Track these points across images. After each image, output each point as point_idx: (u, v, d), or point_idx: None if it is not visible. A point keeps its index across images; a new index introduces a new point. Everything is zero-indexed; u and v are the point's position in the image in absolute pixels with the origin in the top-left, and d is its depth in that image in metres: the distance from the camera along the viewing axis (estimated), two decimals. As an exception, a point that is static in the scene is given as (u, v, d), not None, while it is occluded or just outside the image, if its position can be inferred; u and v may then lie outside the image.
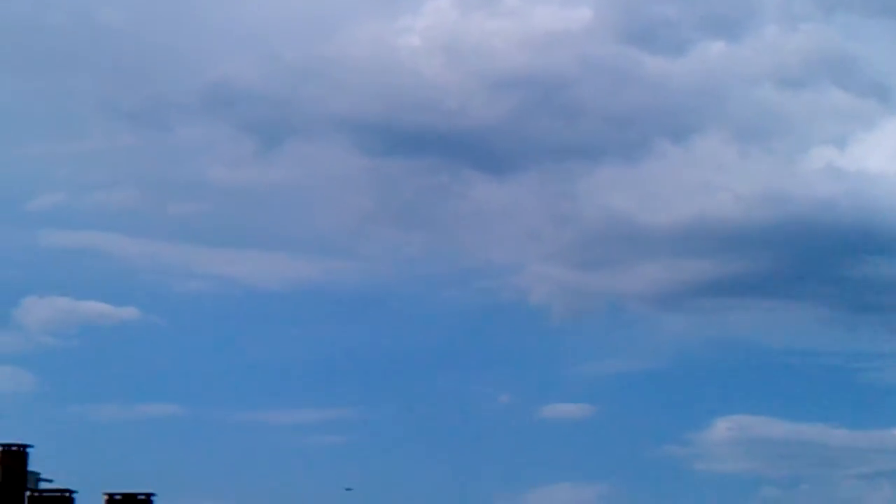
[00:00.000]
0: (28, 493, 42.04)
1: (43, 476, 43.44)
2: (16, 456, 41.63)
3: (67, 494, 42.43)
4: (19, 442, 41.94)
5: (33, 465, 42.41)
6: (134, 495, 43.93)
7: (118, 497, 43.60)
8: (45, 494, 42.46)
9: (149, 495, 44.17)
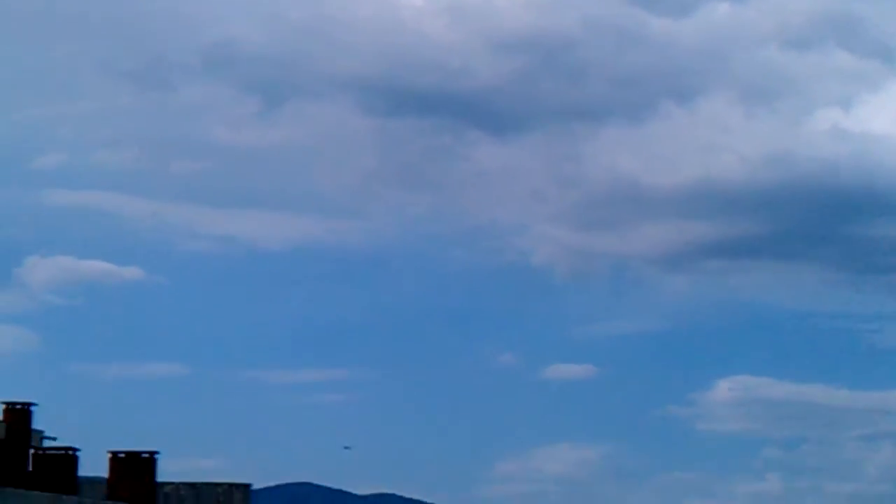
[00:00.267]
0: (32, 451, 42.01)
1: (47, 434, 43.43)
2: (20, 414, 41.55)
3: (71, 453, 42.38)
4: (23, 400, 41.93)
5: (37, 424, 42.33)
6: (138, 454, 43.89)
7: (122, 455, 43.56)
8: (48, 452, 42.40)
9: (152, 454, 44.15)
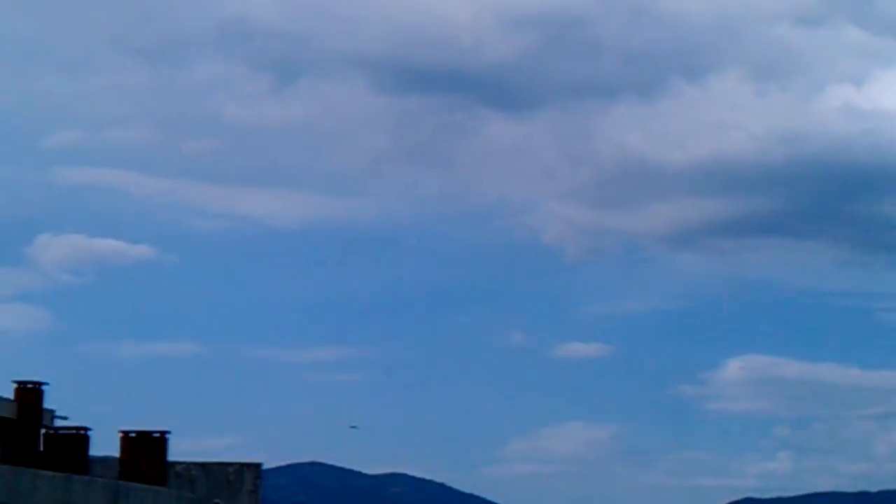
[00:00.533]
0: (43, 431, 42.08)
1: (58, 414, 43.47)
2: (31, 393, 41.62)
3: (82, 432, 42.45)
4: (34, 379, 41.98)
5: (48, 403, 42.38)
6: (149, 433, 43.97)
7: (133, 435, 43.65)
8: (60, 432, 42.48)
9: (163, 433, 44.22)
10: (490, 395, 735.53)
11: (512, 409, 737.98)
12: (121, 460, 43.16)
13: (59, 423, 42.82)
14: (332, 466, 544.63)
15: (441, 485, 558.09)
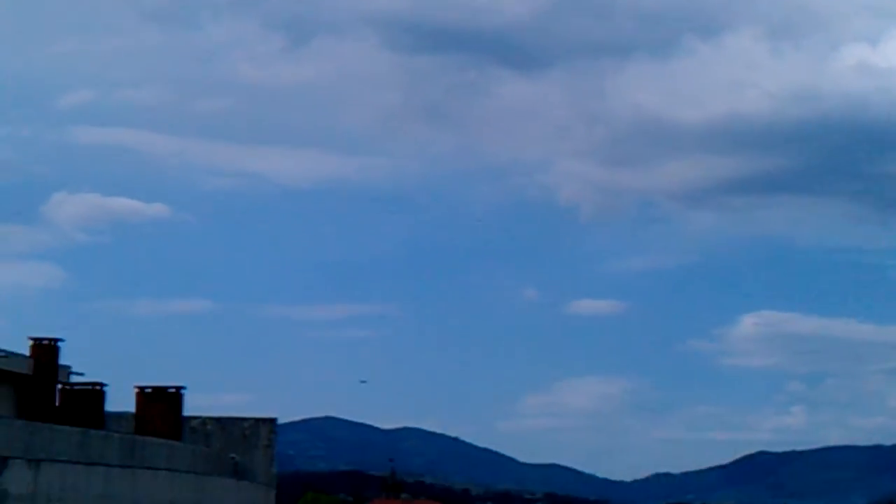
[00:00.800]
0: (59, 387, 42.32)
1: (74, 370, 43.72)
2: (47, 350, 41.84)
3: (98, 388, 42.67)
4: (50, 336, 42.19)
5: (64, 359, 42.64)
6: (164, 388, 44.21)
7: (149, 390, 43.87)
8: (76, 388, 42.72)
9: (179, 388, 44.45)
10: (504, 351, 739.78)
11: (526, 364, 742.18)
12: (136, 416, 43.42)
13: (75, 379, 43.04)
14: (346, 421, 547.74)
15: (455, 439, 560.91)
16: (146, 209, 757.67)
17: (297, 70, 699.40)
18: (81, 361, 43.71)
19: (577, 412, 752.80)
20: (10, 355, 39.53)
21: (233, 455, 47.72)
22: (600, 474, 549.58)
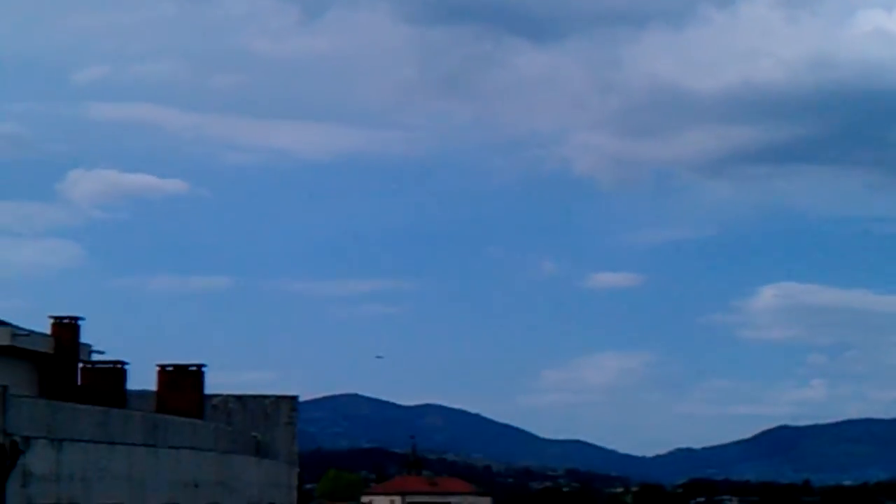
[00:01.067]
0: (80, 365, 42.27)
1: (95, 348, 43.64)
2: (68, 328, 41.76)
3: (119, 366, 42.61)
4: (71, 314, 42.09)
5: (85, 338, 42.55)
6: (185, 366, 44.14)
7: (170, 368, 43.82)
8: (97, 366, 42.67)
9: (200, 366, 44.38)
10: (523, 326, 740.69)
11: (545, 339, 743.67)
12: (158, 394, 43.37)
13: (96, 357, 42.97)
14: (367, 398, 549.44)
15: (476, 415, 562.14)
16: (163, 185, 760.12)
17: (312, 43, 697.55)
18: (102, 340, 43.66)
19: (597, 387, 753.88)
20: (30, 334, 39.46)
21: (254, 433, 47.68)
22: (621, 450, 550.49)
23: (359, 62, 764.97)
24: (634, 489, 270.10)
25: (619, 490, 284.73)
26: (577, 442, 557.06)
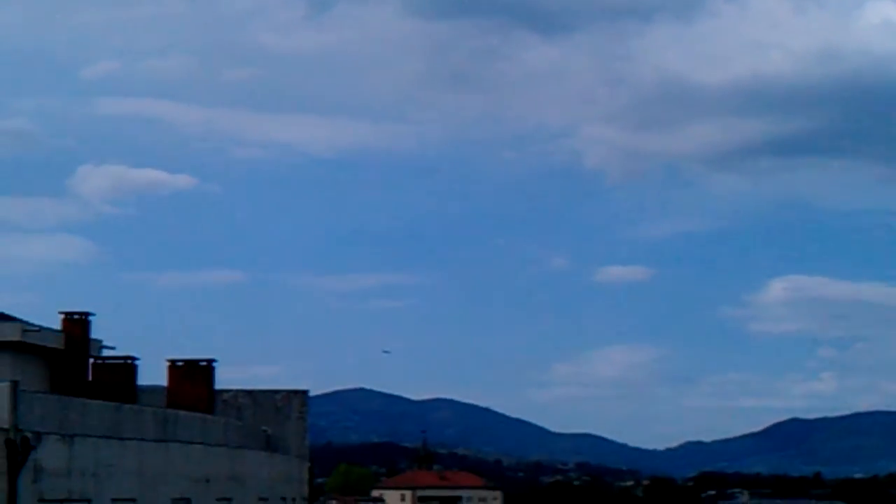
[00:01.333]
0: (91, 361, 42.32)
1: (105, 343, 43.68)
2: (78, 324, 41.81)
3: (130, 361, 42.65)
4: (81, 309, 42.14)
5: (95, 333, 42.60)
6: (196, 361, 44.18)
7: (180, 364, 43.84)
8: (107, 361, 42.71)
9: (210, 361, 44.41)
10: (532, 320, 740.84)
11: (555, 333, 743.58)
12: (168, 389, 43.39)
13: (106, 353, 43.01)
14: (377, 392, 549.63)
15: (486, 409, 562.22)
16: (172, 180, 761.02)
17: (320, 37, 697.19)
18: (112, 335, 43.71)
19: (607, 381, 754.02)
20: (41, 330, 39.51)
21: (265, 428, 47.70)
22: (632, 443, 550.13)
23: (367, 56, 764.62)
24: (645, 482, 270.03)
25: (630, 483, 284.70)
26: (588, 436, 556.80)
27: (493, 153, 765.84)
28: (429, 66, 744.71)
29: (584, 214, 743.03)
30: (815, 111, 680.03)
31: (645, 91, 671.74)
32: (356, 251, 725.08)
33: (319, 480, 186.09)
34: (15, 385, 26.90)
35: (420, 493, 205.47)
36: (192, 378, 43.44)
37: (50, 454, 27.28)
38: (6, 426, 26.14)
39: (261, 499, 42.62)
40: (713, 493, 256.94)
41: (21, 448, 26.16)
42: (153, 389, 43.58)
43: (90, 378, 41.51)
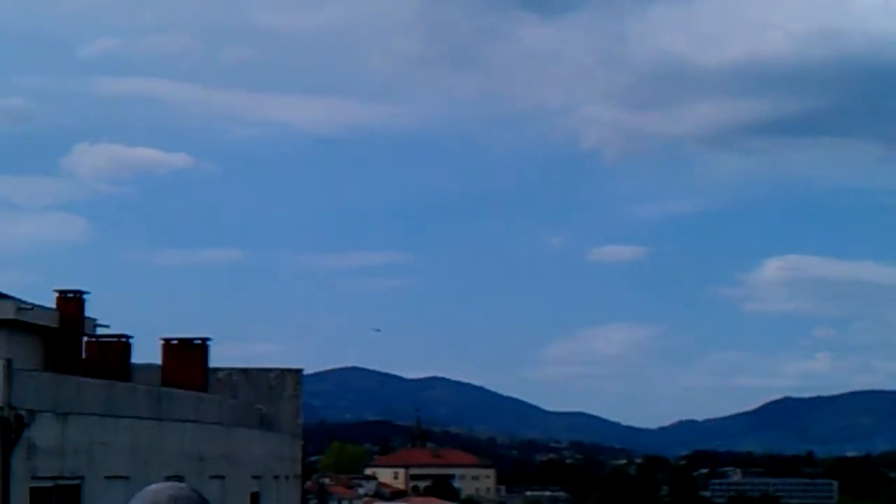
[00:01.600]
0: (85, 339, 42.34)
1: (100, 322, 43.68)
2: (72, 302, 41.81)
3: (124, 340, 42.65)
4: (75, 288, 42.13)
5: (90, 311, 42.59)
6: (190, 340, 44.20)
7: (174, 342, 43.87)
8: (102, 340, 42.72)
9: (205, 340, 44.43)
10: (528, 299, 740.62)
11: (549, 312, 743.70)
12: (162, 367, 43.45)
13: (100, 331, 43.02)
14: (371, 371, 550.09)
15: (480, 388, 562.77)
16: (169, 159, 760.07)
17: (318, 16, 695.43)
18: (107, 313, 43.73)
19: (602, 360, 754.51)
20: (35, 308, 39.54)
21: (259, 406, 47.80)
22: (625, 422, 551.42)
23: (365, 35, 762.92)
24: (638, 461, 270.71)
25: (623, 462, 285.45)
26: (581, 414, 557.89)
27: (490, 132, 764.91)
28: (428, 44, 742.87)
29: (582, 194, 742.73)
30: (814, 91, 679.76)
31: (643, 71, 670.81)
32: (351, 230, 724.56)
33: (313, 458, 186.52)
34: (9, 363, 26.96)
35: (413, 471, 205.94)
36: (187, 356, 43.48)
37: (43, 432, 27.37)
38: (0, 404, 26.23)
39: (254, 476, 42.76)
40: (706, 471, 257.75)
41: (14, 426, 26.25)
42: (147, 368, 43.63)
43: (84, 356, 41.55)
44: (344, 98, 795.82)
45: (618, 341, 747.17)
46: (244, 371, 49.64)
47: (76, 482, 28.95)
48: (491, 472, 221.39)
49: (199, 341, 44.20)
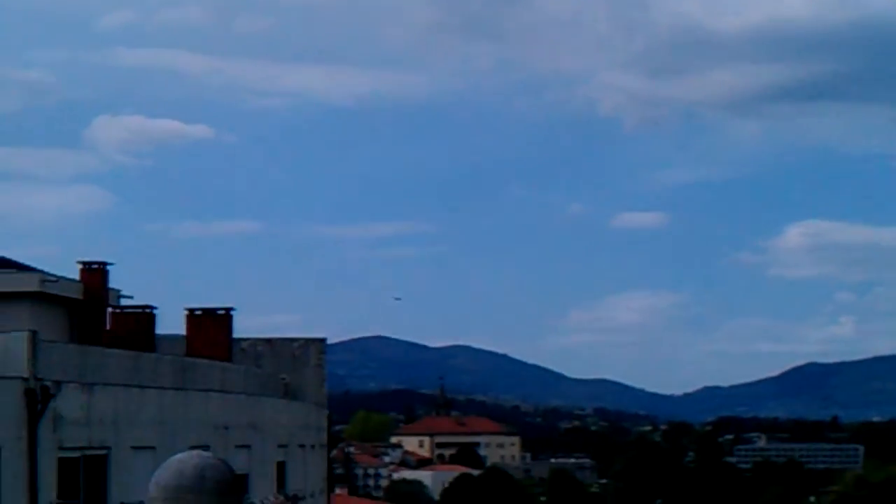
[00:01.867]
0: (110, 311, 42.45)
1: (124, 293, 43.79)
2: (96, 273, 41.89)
3: (148, 311, 42.75)
4: (99, 259, 42.20)
5: (114, 283, 42.70)
6: (214, 310, 44.25)
7: (198, 312, 43.93)
8: (126, 311, 42.83)
9: (228, 310, 44.49)
10: (549, 267, 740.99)
11: (572, 279, 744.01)
12: (187, 338, 43.54)
13: (124, 302, 43.14)
14: (395, 340, 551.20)
15: (503, 356, 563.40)
16: (189, 130, 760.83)
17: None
18: (131, 284, 43.95)
19: (625, 327, 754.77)
20: (59, 280, 39.64)
21: (283, 376, 47.90)
22: (649, 388, 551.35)
23: (381, 4, 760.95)
24: (663, 427, 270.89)
25: (648, 429, 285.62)
26: (605, 381, 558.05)
27: (508, 100, 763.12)
28: (443, 13, 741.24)
29: (601, 161, 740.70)
30: (834, 56, 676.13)
31: (661, 37, 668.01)
32: (373, 200, 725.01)
33: (338, 428, 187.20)
34: (34, 335, 27.05)
35: (438, 439, 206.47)
36: (211, 327, 43.55)
37: (69, 403, 27.47)
38: (26, 375, 26.32)
39: (280, 446, 42.88)
40: (731, 437, 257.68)
41: (41, 397, 26.35)
42: (172, 338, 43.74)
43: (109, 327, 41.67)
44: (361, 68, 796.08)
45: (640, 308, 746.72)
46: (268, 341, 49.74)
47: (103, 452, 29.07)
48: (516, 439, 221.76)
49: (222, 311, 44.26)
